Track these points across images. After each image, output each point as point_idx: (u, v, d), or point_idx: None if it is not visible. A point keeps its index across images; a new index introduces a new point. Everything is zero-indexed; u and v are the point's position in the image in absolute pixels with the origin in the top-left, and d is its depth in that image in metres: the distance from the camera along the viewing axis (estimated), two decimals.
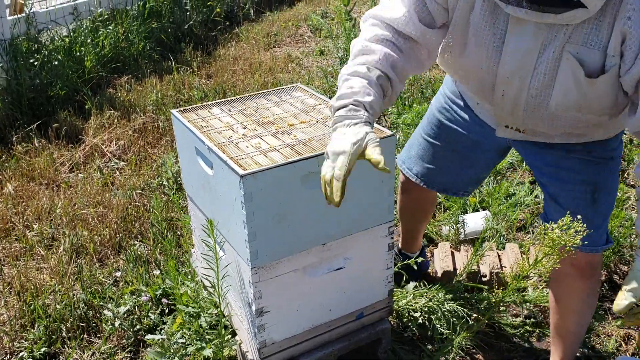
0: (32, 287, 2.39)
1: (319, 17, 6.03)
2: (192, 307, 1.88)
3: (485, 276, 2.35)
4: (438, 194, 2.20)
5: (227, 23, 6.03)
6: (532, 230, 2.68)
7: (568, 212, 1.45)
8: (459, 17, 1.53)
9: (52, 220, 2.86)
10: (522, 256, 2.41)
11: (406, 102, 3.76)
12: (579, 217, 1.41)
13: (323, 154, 1.63)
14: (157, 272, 2.40)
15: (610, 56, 1.39)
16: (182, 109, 1.98)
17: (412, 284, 2.18)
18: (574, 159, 1.69)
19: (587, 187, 1.69)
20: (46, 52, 4.09)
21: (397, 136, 3.37)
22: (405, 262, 2.19)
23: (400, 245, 2.35)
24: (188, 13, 5.50)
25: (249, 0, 6.49)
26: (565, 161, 1.70)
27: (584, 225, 1.40)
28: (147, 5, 5.09)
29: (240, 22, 6.10)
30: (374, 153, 1.33)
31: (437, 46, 1.60)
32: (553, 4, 1.33)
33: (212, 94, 4.25)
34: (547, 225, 1.44)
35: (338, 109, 1.42)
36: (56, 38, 4.32)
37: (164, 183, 3.14)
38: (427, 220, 2.33)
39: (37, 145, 3.49)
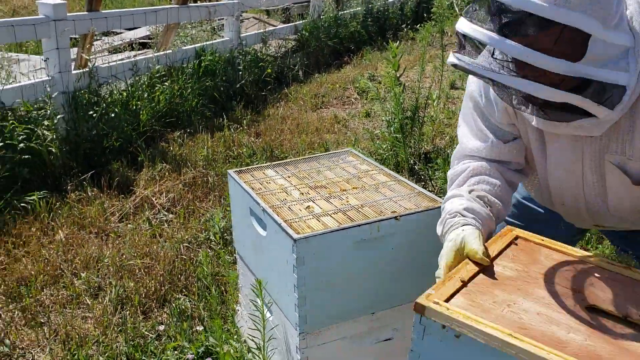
0: (77, 336, 2.41)
1: (367, 80, 6.16)
2: None
3: None
4: None
5: (277, 83, 6.22)
6: None
7: None
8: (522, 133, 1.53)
9: (99, 269, 2.92)
10: None
11: None
12: None
13: (376, 221, 1.63)
14: (200, 327, 2.40)
15: None
16: (238, 169, 2.03)
17: None
18: None
19: None
20: (104, 105, 4.27)
21: None
22: None
23: None
24: (240, 73, 5.70)
25: (298, 62, 6.70)
26: None
27: None
28: (202, 64, 5.30)
29: (289, 83, 6.28)
30: (472, 246, 1.30)
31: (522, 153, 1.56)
32: (556, 115, 1.27)
33: (260, 152, 4.34)
34: None
35: (441, 233, 1.44)
36: (115, 92, 4.52)
37: (210, 238, 3.18)
38: None
39: (89, 194, 3.60)
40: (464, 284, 1.21)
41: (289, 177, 1.99)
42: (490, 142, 1.51)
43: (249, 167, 2.08)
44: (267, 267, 1.80)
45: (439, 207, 1.70)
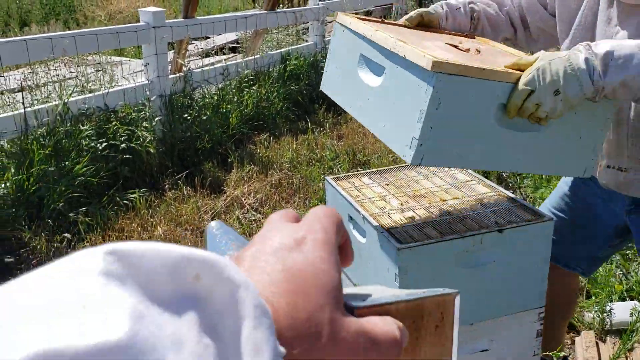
0: None
1: None
2: None
3: None
4: (580, 283, 2.12)
5: None
6: None
7: None
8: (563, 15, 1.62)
9: None
10: None
11: (543, 176, 3.66)
12: None
13: (479, 233, 1.65)
14: None
15: None
16: (335, 176, 2.09)
17: None
18: None
19: None
20: (197, 108, 4.48)
21: None
22: None
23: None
24: None
25: None
26: None
27: None
28: (287, 69, 5.43)
29: None
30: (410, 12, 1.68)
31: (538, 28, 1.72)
32: None
33: (342, 155, 4.41)
34: None
35: None
36: (206, 96, 4.73)
37: None
38: (569, 318, 2.21)
39: (185, 193, 3.79)
40: (382, 22, 1.56)
41: (386, 185, 2.03)
42: None
43: (346, 174, 2.13)
44: (365, 274, 1.85)
45: (542, 221, 1.69)
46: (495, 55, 1.48)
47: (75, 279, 0.25)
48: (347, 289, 0.39)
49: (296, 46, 5.87)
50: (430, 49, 1.31)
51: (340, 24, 1.53)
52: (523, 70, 1.25)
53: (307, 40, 6.21)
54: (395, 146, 1.25)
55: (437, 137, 1.19)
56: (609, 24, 1.49)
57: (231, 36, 7.06)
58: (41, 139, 3.58)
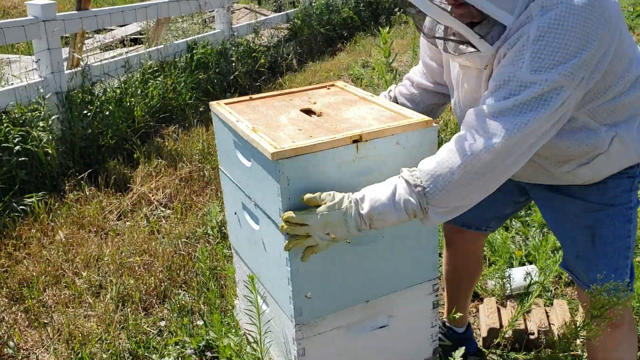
0: (80, 335, 2.44)
1: (360, 67, 6.15)
2: None
3: (532, 334, 2.29)
4: (484, 253, 2.18)
5: (271, 73, 6.21)
6: None
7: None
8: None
9: (100, 267, 2.94)
10: (570, 314, 2.34)
11: None
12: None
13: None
14: (200, 322, 2.43)
15: None
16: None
17: (459, 351, 2.09)
18: (572, 203, 1.72)
19: (585, 231, 1.71)
20: (98, 103, 4.28)
21: None
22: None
23: (445, 317, 2.30)
24: (233, 64, 5.69)
25: (291, 51, 6.68)
26: (567, 205, 1.74)
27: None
28: (194, 58, 5.29)
29: (284, 73, 6.27)
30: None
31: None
32: (448, 47, 1.55)
33: None
34: (593, 287, 1.48)
35: None
36: (108, 90, 4.52)
37: (208, 232, 3.20)
38: (472, 288, 2.27)
39: (87, 193, 3.62)
40: (250, 99, 1.94)
41: None
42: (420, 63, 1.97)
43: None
44: (261, 261, 1.82)
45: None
46: (341, 109, 1.80)
47: None
48: None
49: (203, 34, 5.73)
50: (281, 127, 1.66)
51: (214, 113, 1.89)
52: (355, 139, 1.55)
53: (214, 28, 6.07)
54: (270, 209, 1.61)
55: (296, 202, 1.52)
56: (456, 73, 1.71)
57: (133, 27, 6.80)
58: None
